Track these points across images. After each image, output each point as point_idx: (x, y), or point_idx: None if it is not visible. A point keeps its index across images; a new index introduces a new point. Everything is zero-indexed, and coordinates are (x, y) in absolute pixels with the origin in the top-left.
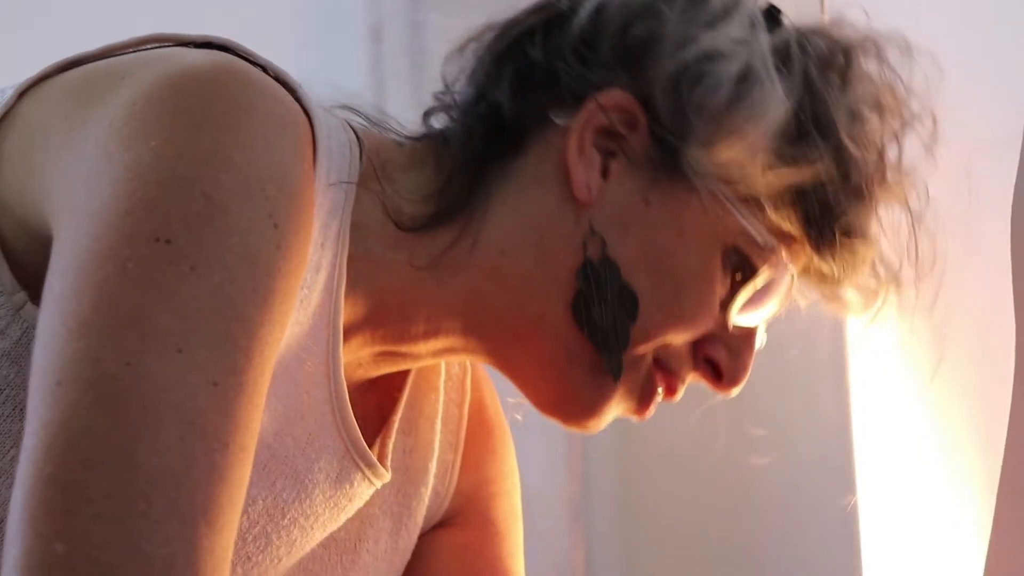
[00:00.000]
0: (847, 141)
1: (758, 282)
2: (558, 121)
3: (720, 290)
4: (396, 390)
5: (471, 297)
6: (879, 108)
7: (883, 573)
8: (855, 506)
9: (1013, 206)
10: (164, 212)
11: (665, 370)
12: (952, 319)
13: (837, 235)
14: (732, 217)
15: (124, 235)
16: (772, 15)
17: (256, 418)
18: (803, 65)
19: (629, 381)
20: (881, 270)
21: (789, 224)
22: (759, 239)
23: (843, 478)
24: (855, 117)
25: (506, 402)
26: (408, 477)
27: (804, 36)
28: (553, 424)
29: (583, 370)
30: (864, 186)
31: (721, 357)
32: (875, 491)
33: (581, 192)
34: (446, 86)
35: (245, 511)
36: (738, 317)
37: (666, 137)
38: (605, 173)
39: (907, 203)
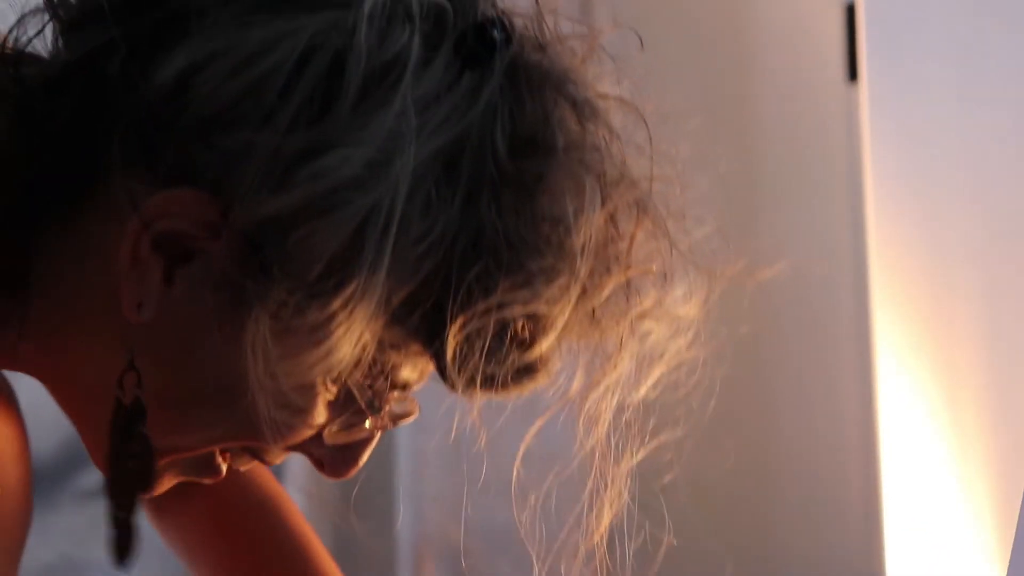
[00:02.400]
0: (520, 286)
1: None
2: (117, 187)
3: (320, 416)
4: None
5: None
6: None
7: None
8: (879, 520)
9: None
10: None
11: (250, 454)
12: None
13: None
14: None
15: None
16: (478, 52)
17: None
18: (473, 179)
19: (180, 468)
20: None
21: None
22: (363, 399)
23: (867, 483)
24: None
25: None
26: None
27: (506, 107)
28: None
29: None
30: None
31: (323, 457)
32: (900, 501)
33: (129, 311)
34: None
35: None
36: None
37: (257, 272)
38: (169, 278)
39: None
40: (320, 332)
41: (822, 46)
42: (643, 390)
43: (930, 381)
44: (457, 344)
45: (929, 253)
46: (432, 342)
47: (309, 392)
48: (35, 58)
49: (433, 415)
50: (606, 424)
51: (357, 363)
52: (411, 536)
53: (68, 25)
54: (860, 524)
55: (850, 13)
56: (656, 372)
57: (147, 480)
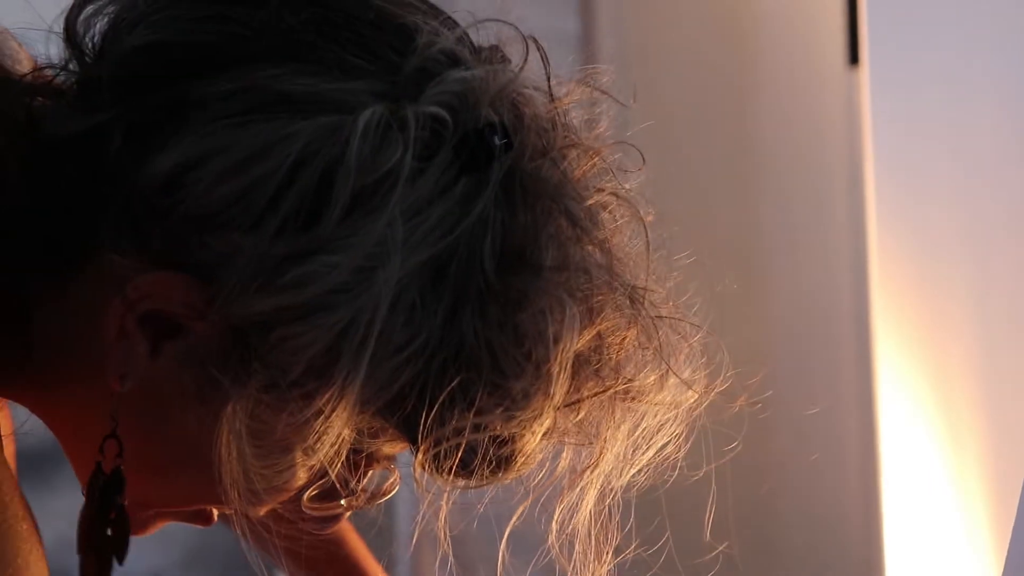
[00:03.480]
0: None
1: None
2: (112, 264)
3: (296, 486)
4: None
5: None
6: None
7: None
8: (879, 510)
9: None
10: None
11: None
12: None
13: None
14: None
15: None
16: (476, 158)
17: None
18: (458, 292)
19: (170, 515)
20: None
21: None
22: (339, 482)
23: (867, 478)
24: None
25: None
26: None
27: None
28: None
29: None
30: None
31: (303, 516)
32: (900, 491)
33: (112, 381)
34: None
35: None
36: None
37: (237, 364)
38: (155, 351)
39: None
40: (297, 431)
41: (823, 30)
42: (626, 479)
43: (926, 354)
44: (431, 451)
45: (930, 238)
46: (410, 439)
47: (280, 488)
48: (53, 90)
49: None
50: (586, 515)
51: (334, 456)
52: (408, 524)
53: (80, 83)
54: (859, 525)
55: None
56: (641, 462)
57: (122, 547)
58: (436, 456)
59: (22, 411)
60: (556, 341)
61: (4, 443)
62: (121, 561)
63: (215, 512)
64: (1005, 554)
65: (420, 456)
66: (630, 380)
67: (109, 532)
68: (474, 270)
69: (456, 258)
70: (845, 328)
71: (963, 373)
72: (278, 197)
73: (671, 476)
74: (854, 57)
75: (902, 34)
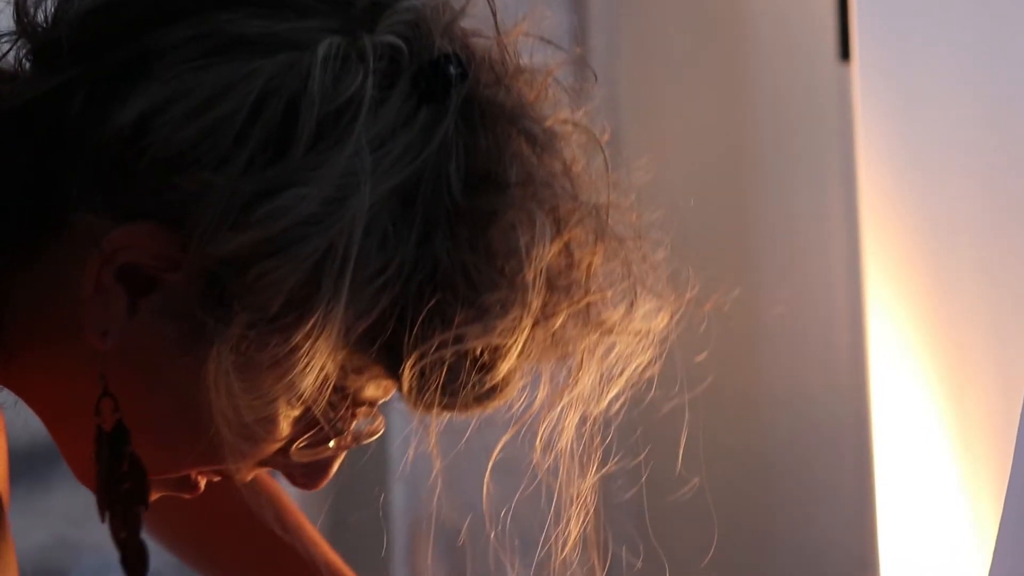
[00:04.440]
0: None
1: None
2: (82, 223)
3: (283, 435)
4: None
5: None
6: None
7: (900, 552)
8: (871, 485)
9: None
10: None
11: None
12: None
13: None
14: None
15: None
16: (433, 88)
17: None
18: (428, 216)
19: (158, 485)
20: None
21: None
22: (326, 422)
23: (859, 458)
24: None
25: None
26: None
27: (461, 139)
28: None
29: None
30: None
31: (293, 470)
32: (892, 474)
33: (93, 338)
34: None
35: None
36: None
37: (217, 306)
38: (133, 307)
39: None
40: (282, 365)
41: (814, 25)
42: (605, 404)
43: (927, 364)
44: (414, 375)
45: (923, 233)
46: (393, 369)
47: (272, 420)
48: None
49: None
50: (568, 438)
51: (320, 391)
52: (405, 519)
53: (36, 53)
54: (854, 510)
55: None
56: (617, 387)
57: (143, 496)
58: (420, 383)
59: (22, 413)
60: (528, 251)
61: None
62: (147, 507)
63: (202, 480)
64: (1003, 502)
65: (405, 386)
66: (603, 292)
67: (127, 486)
68: (442, 194)
69: (423, 184)
70: (840, 322)
71: (960, 365)
72: (244, 133)
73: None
74: (845, 52)
75: (893, 29)
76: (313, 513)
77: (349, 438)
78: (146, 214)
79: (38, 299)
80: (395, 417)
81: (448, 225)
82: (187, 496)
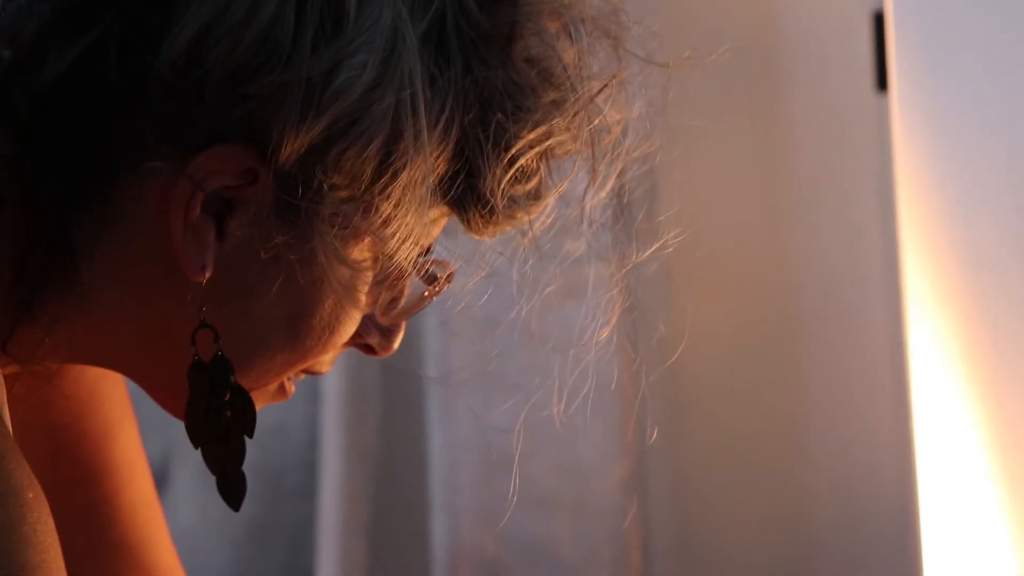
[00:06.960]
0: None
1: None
2: (153, 166)
3: (359, 313)
4: None
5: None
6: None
7: (943, 555)
8: (914, 491)
9: None
10: None
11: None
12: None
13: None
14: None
15: None
16: None
17: None
18: (462, 47)
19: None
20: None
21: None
22: (419, 274)
23: (901, 463)
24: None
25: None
26: None
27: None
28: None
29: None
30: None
31: (373, 341)
32: (935, 475)
33: (194, 274)
34: None
35: None
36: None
37: (310, 195)
38: (221, 234)
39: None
40: (376, 228)
41: (851, 56)
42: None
43: (969, 393)
44: (502, 192)
45: (962, 264)
46: (466, 207)
47: (364, 285)
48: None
49: (466, 428)
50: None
51: (408, 245)
52: (445, 548)
53: (65, 11)
54: (895, 516)
55: (879, 21)
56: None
57: (249, 421)
58: (502, 198)
59: None
60: (555, 50)
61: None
62: (251, 435)
63: (290, 385)
64: None
65: (497, 200)
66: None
67: (229, 414)
68: (466, 23)
69: (448, 18)
70: (880, 356)
71: (1008, 399)
72: (301, 20)
73: None
74: (883, 83)
75: (931, 59)
76: (355, 544)
77: (441, 284)
78: (218, 137)
79: (117, 262)
80: (434, 448)
81: (478, 51)
82: (280, 401)
